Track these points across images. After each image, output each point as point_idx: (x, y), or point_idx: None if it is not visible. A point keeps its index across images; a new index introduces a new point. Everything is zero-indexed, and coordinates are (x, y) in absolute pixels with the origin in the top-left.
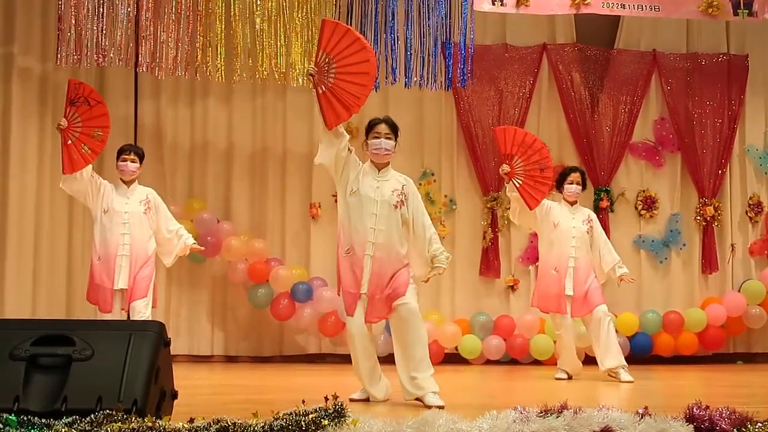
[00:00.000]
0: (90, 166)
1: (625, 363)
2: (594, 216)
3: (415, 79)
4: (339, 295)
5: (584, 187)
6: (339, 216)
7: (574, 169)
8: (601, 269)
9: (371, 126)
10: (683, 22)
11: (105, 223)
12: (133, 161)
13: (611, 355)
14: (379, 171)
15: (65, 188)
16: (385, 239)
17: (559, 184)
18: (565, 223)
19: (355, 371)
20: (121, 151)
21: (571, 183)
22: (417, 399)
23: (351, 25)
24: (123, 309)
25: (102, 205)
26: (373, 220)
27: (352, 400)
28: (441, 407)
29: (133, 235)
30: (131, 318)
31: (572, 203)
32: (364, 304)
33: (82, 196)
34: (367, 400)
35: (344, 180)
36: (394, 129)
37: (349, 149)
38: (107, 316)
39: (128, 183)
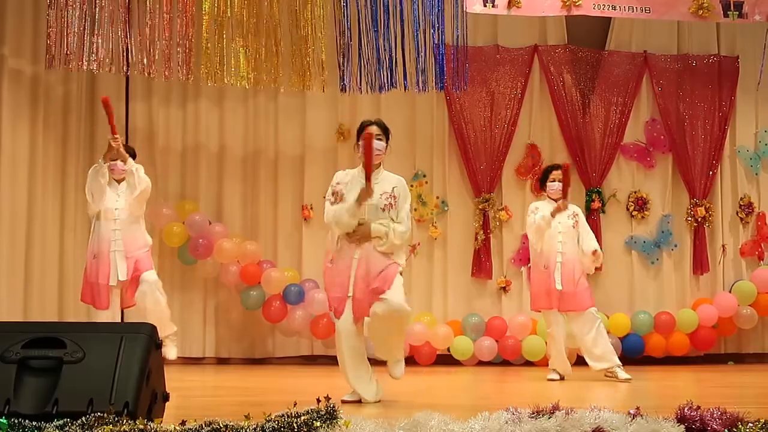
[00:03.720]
0: None
1: (619, 362)
2: (579, 211)
3: (407, 82)
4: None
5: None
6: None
7: (555, 167)
8: (583, 261)
9: (362, 128)
10: (674, 24)
11: (100, 221)
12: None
13: (606, 356)
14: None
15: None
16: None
17: (542, 183)
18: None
19: (341, 371)
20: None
21: (553, 181)
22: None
23: (347, 29)
24: (123, 307)
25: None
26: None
27: (344, 402)
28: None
29: (124, 230)
30: (143, 289)
31: (557, 200)
32: (351, 305)
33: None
34: (359, 401)
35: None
36: (385, 131)
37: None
38: (102, 315)
39: (119, 180)
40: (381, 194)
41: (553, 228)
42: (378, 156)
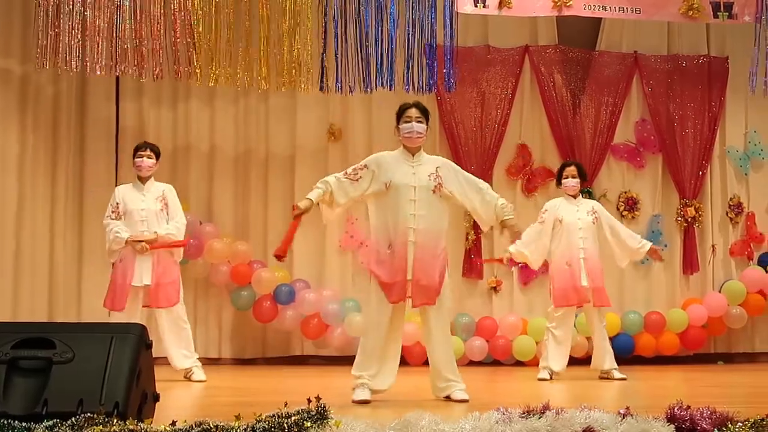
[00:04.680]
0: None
1: (616, 365)
2: (598, 206)
3: (396, 82)
4: (377, 286)
5: (583, 178)
6: (372, 218)
7: (569, 164)
8: (624, 254)
9: (402, 111)
10: (664, 24)
11: (126, 223)
12: (149, 157)
13: (611, 356)
14: (413, 156)
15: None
16: (426, 225)
17: (558, 180)
18: (569, 216)
19: (363, 362)
20: (137, 148)
21: (567, 177)
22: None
23: (335, 28)
24: (144, 305)
25: (121, 209)
26: (413, 206)
27: (357, 402)
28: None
29: (152, 231)
30: (167, 323)
31: (574, 197)
32: (408, 291)
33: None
34: (368, 401)
35: (374, 186)
36: (424, 113)
37: (366, 180)
38: (119, 315)
39: (144, 180)
40: (429, 175)
41: (574, 225)
42: (419, 138)
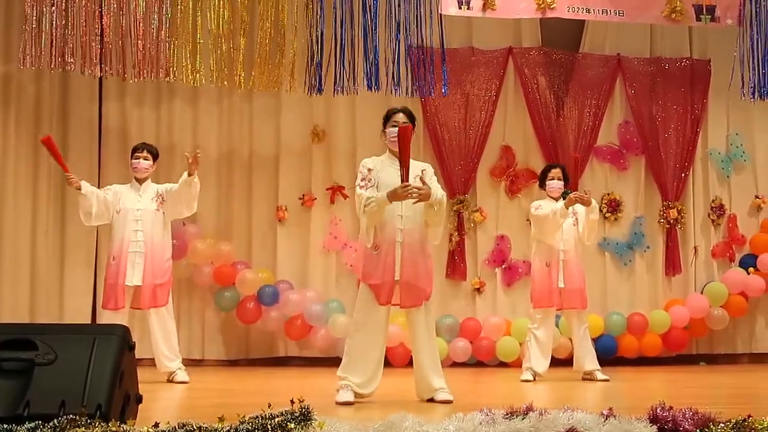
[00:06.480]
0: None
1: (598, 365)
2: (578, 208)
3: (382, 84)
4: (367, 289)
5: (566, 181)
6: None
7: (554, 166)
8: (585, 227)
9: (389, 115)
10: (647, 27)
11: (119, 223)
12: (145, 159)
13: (593, 358)
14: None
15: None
16: (413, 225)
17: (542, 182)
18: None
19: (349, 363)
20: (134, 150)
21: (552, 179)
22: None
23: (319, 30)
24: (133, 307)
25: (116, 207)
26: (400, 207)
27: (341, 404)
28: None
29: (146, 232)
30: (156, 324)
31: (556, 199)
32: (396, 292)
33: (106, 218)
34: (351, 403)
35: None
36: (411, 118)
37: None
38: (113, 315)
39: (141, 181)
40: (414, 178)
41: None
42: None
